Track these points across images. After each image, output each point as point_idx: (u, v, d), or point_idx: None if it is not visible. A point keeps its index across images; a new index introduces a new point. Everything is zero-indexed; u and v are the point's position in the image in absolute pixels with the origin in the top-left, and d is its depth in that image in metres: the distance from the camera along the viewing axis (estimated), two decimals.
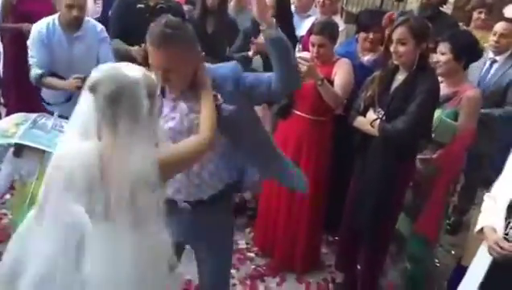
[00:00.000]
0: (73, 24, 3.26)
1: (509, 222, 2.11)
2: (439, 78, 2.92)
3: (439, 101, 2.88)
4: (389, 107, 2.73)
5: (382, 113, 2.75)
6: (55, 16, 3.29)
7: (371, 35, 3.42)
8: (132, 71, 1.69)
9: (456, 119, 2.94)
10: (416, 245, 3.11)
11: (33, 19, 3.95)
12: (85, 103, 1.66)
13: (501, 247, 2.08)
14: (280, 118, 3.39)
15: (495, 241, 2.11)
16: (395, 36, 2.68)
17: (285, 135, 3.33)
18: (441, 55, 3.00)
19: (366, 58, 3.46)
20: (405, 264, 3.28)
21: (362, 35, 3.46)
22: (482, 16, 4.01)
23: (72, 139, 1.68)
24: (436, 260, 3.63)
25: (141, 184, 1.62)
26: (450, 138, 2.92)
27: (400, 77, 2.76)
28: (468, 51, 3.02)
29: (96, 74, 1.66)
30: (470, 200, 4.09)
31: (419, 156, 2.92)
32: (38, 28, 3.26)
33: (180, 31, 1.94)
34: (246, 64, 3.69)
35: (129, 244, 1.66)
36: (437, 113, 2.87)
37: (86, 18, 3.36)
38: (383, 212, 2.88)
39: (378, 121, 2.74)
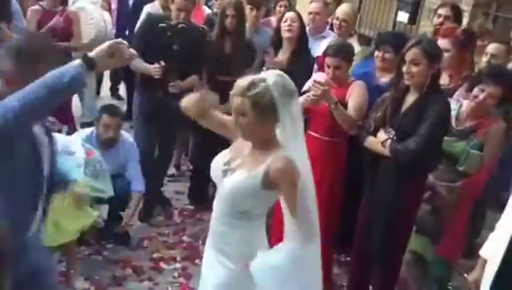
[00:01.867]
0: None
1: None
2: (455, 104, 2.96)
3: (464, 133, 2.92)
4: (400, 127, 2.77)
5: (393, 133, 2.79)
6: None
7: (381, 53, 3.41)
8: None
9: (481, 150, 2.93)
10: (440, 267, 3.12)
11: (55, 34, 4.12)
12: None
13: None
14: None
15: (475, 279, 2.32)
16: (408, 57, 2.73)
17: None
18: (490, 97, 2.89)
19: (383, 80, 3.48)
20: (429, 288, 3.26)
21: (376, 52, 3.49)
22: (486, 43, 4.01)
23: None
24: (449, 283, 3.60)
25: None
26: (476, 168, 2.93)
27: (411, 98, 2.80)
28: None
29: None
30: (480, 221, 4.06)
31: (443, 183, 2.95)
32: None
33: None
34: None
35: None
36: (462, 145, 2.92)
37: None
38: (394, 231, 2.89)
39: (389, 141, 2.78)
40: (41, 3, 4.24)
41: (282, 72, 2.06)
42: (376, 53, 3.47)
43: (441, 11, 4.07)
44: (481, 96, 2.90)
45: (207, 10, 5.11)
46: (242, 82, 1.96)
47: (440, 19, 4.03)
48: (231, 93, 1.98)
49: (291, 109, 1.99)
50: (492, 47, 3.80)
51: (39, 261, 1.99)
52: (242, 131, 2.03)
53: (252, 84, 1.94)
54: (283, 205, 2.04)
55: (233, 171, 2.06)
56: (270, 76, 1.98)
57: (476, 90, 2.94)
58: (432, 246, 3.08)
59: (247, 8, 4.28)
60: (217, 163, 2.15)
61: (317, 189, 3.23)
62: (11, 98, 1.65)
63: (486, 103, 2.92)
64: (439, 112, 2.70)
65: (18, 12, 3.89)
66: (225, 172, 2.09)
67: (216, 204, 2.17)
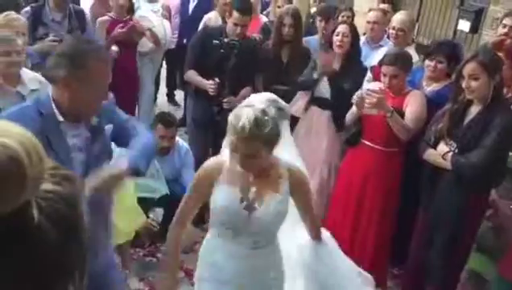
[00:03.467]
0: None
1: None
2: None
3: None
4: (462, 140, 2.69)
5: (455, 145, 2.71)
6: None
7: (433, 63, 3.29)
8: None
9: None
10: (501, 288, 2.95)
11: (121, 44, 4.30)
12: None
13: None
14: (349, 146, 3.40)
15: None
16: (466, 72, 2.64)
17: (352, 164, 3.33)
18: None
19: (429, 89, 3.36)
20: None
21: (426, 62, 3.38)
22: None
23: None
24: None
25: None
26: None
27: (474, 110, 2.72)
28: None
29: None
30: None
31: (506, 201, 2.83)
32: None
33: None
34: (311, 87, 3.76)
35: None
36: None
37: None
38: (454, 248, 2.80)
39: (451, 154, 2.70)
40: (109, 14, 4.44)
41: (272, 95, 2.23)
42: (428, 62, 3.35)
43: (507, 21, 3.90)
44: None
45: (263, 19, 5.16)
46: (247, 124, 1.83)
47: (505, 30, 3.86)
48: (235, 136, 1.88)
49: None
50: None
51: (108, 255, 2.15)
52: (253, 169, 1.99)
53: (259, 124, 1.84)
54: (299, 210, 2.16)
55: (259, 202, 2.00)
56: (270, 107, 2.04)
57: None
58: (492, 266, 2.97)
59: (317, 19, 4.33)
60: (230, 205, 2.01)
61: (371, 200, 3.23)
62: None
63: None
64: (505, 124, 2.60)
65: (89, 24, 4.12)
66: (248, 208, 2.00)
67: (240, 243, 2.05)
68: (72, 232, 0.87)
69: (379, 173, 3.20)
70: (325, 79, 3.72)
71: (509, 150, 2.72)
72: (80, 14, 4.05)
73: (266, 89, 4.00)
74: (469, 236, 2.83)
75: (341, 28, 3.68)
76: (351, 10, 5.14)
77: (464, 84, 2.66)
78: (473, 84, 2.63)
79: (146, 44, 4.73)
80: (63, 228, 0.84)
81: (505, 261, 2.88)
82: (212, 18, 4.89)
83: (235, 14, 3.55)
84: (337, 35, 3.66)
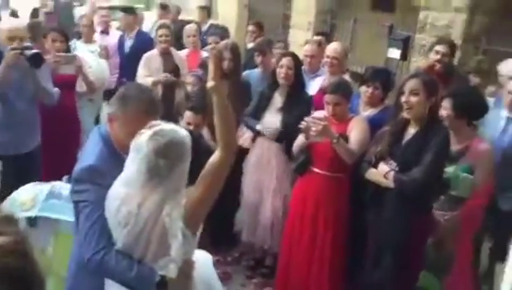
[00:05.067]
0: None
1: None
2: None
3: (453, 157, 2.92)
4: (402, 159, 2.78)
5: (395, 165, 2.80)
6: None
7: (370, 89, 3.44)
8: (182, 131, 1.91)
9: (471, 173, 2.94)
10: None
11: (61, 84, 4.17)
12: (132, 159, 1.85)
13: None
14: (298, 175, 3.43)
15: None
16: (408, 87, 2.77)
17: (303, 192, 3.37)
18: (444, 110, 2.99)
19: (365, 114, 3.49)
20: None
21: (363, 88, 3.52)
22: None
23: (118, 188, 1.88)
24: None
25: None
26: (469, 193, 2.93)
27: (412, 131, 2.83)
28: (469, 110, 3.00)
29: (147, 132, 1.85)
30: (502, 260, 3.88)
31: (442, 212, 2.93)
32: None
33: None
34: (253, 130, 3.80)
35: None
36: (452, 168, 2.92)
37: None
38: (402, 269, 2.83)
39: (393, 172, 2.79)
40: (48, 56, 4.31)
41: None
42: (364, 88, 3.49)
43: (439, 48, 4.07)
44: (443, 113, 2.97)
45: (204, 54, 5.20)
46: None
47: (438, 56, 4.04)
48: None
49: None
50: None
51: None
52: None
53: None
54: None
55: None
56: None
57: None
58: (438, 282, 3.02)
59: (255, 54, 4.42)
60: None
61: (323, 226, 3.26)
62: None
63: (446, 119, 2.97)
64: (441, 142, 2.73)
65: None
66: None
67: None
68: (28, 279, 0.82)
69: (329, 198, 3.26)
70: (273, 112, 3.74)
71: (444, 167, 2.84)
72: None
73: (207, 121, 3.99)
74: (416, 255, 2.88)
75: (285, 61, 3.71)
76: (284, 42, 5.42)
77: (403, 99, 2.78)
78: (412, 99, 2.75)
79: (83, 84, 4.63)
80: (15, 280, 0.79)
81: (449, 276, 2.95)
82: (153, 55, 4.91)
83: (187, 113, 3.47)
84: (281, 67, 3.72)
